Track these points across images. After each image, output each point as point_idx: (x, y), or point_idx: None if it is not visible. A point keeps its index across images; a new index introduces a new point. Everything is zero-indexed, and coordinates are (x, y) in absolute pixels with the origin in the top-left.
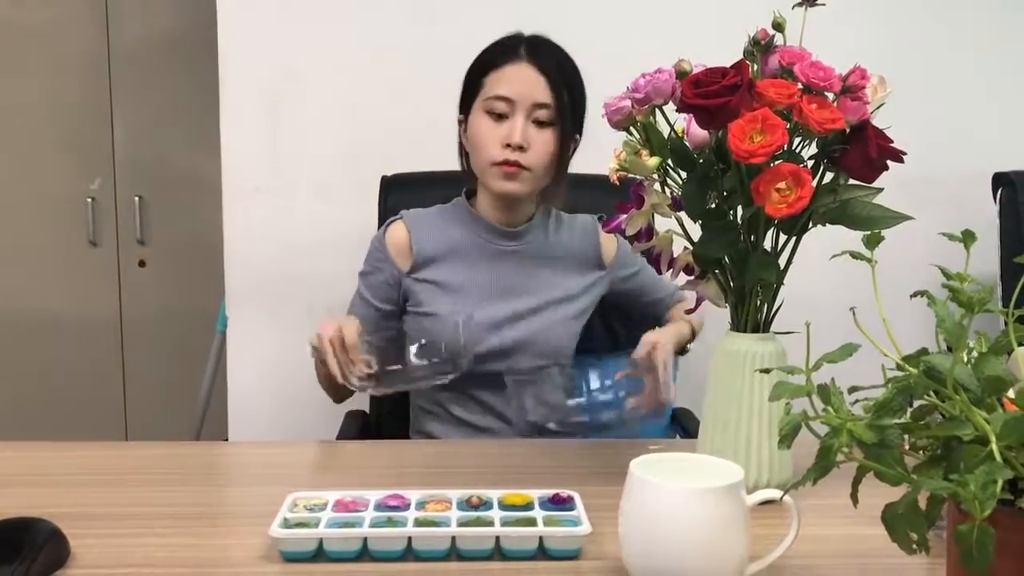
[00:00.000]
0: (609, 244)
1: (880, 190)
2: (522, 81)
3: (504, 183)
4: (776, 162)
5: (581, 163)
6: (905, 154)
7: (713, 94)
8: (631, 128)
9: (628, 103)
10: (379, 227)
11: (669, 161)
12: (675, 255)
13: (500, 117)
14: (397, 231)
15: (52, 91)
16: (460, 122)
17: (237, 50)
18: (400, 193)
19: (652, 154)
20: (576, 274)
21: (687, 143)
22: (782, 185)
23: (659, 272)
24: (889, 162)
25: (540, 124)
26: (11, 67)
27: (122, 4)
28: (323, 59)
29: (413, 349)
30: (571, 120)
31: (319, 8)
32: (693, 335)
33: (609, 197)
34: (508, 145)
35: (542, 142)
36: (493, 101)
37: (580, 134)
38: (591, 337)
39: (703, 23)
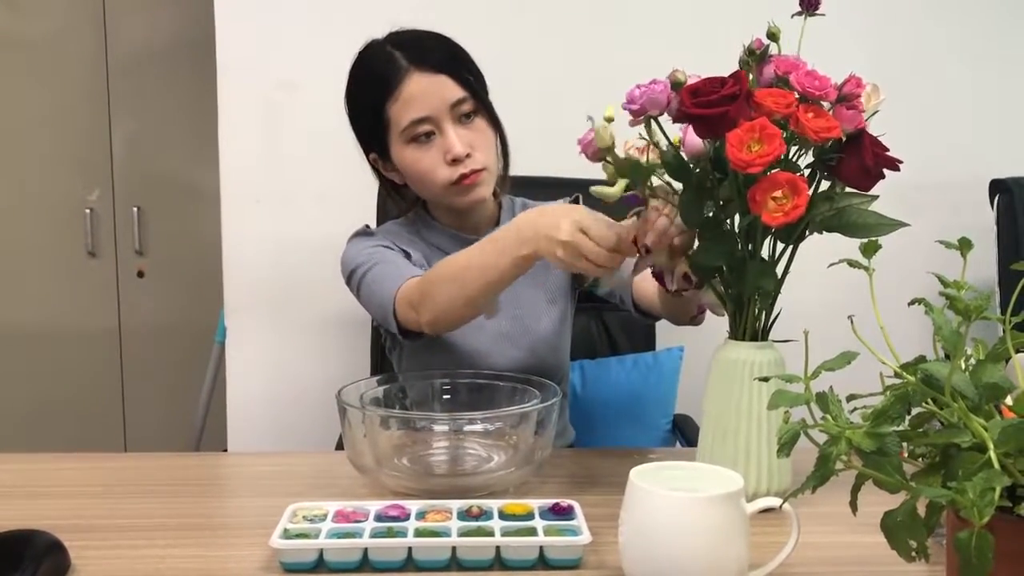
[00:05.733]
0: None
1: (875, 197)
2: (427, 92)
3: (469, 196)
4: (773, 170)
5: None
6: (901, 162)
7: (712, 103)
8: (606, 159)
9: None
10: None
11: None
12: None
13: (428, 136)
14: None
15: (50, 102)
16: (374, 161)
17: (235, 60)
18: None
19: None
20: (555, 269)
21: (683, 154)
22: (778, 194)
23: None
24: (885, 170)
25: (467, 118)
26: (9, 77)
27: (120, 14)
28: (320, 68)
29: None
30: (486, 94)
31: (316, 17)
32: None
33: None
34: (455, 160)
35: (479, 136)
36: (412, 128)
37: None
38: (590, 341)
39: (696, 34)
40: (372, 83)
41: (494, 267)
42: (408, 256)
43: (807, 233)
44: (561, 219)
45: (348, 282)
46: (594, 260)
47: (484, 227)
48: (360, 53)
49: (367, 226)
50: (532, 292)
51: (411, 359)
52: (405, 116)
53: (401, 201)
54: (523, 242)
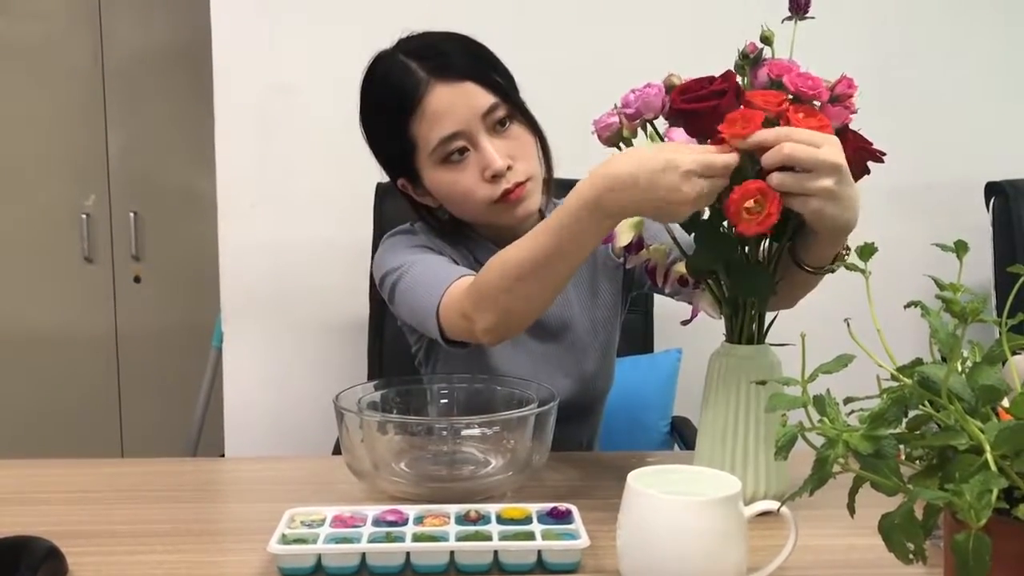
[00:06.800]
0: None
1: None
2: (454, 104)
3: (516, 212)
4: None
5: (580, 171)
6: (884, 154)
7: (701, 99)
8: (620, 144)
9: (616, 119)
10: (376, 235)
11: None
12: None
13: (461, 153)
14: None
15: (46, 107)
16: (403, 187)
17: (231, 64)
18: (395, 199)
19: None
20: (604, 279)
21: None
22: (750, 204)
23: (655, 284)
24: (882, 172)
25: (501, 125)
26: (5, 82)
27: (116, 19)
28: (316, 71)
29: None
30: (517, 94)
31: (312, 22)
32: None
33: None
34: (495, 176)
35: (518, 144)
36: (442, 147)
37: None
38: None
39: (693, 38)
40: (390, 102)
41: (568, 255)
42: (456, 264)
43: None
44: (678, 183)
45: (380, 285)
46: (715, 191)
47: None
48: (370, 68)
49: (411, 224)
50: (581, 318)
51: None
52: (433, 135)
53: (438, 226)
54: (606, 214)
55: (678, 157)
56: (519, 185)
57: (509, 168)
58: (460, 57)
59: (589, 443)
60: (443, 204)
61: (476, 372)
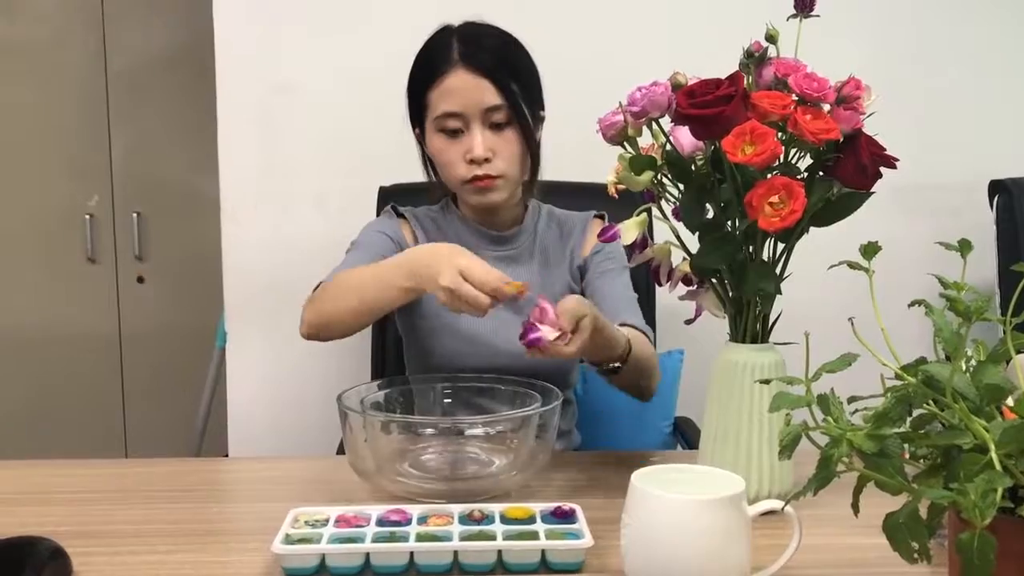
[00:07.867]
0: (592, 239)
1: (871, 194)
2: (466, 90)
3: (480, 198)
4: (772, 173)
5: (584, 172)
6: (897, 160)
7: (708, 104)
8: (624, 143)
9: (621, 118)
10: None
11: (667, 174)
12: (674, 265)
13: (455, 132)
14: (404, 230)
15: (49, 108)
16: (418, 136)
17: (233, 65)
18: (398, 203)
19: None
20: (571, 277)
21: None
22: (775, 199)
23: (658, 283)
24: (885, 170)
25: (498, 126)
26: (8, 84)
27: (119, 21)
28: (319, 72)
29: None
30: (528, 107)
31: (314, 23)
32: (627, 358)
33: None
34: (473, 160)
35: (505, 145)
36: (443, 120)
37: (542, 108)
38: None
39: (698, 36)
40: (425, 65)
41: (381, 289)
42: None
43: (806, 230)
44: (444, 265)
45: None
46: (472, 304)
47: (507, 226)
48: (434, 33)
49: (392, 206)
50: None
51: (415, 345)
52: (440, 106)
53: (436, 181)
54: (410, 276)
55: (467, 256)
56: (489, 178)
57: (487, 160)
58: (492, 55)
59: (567, 430)
60: (434, 163)
61: (448, 335)
